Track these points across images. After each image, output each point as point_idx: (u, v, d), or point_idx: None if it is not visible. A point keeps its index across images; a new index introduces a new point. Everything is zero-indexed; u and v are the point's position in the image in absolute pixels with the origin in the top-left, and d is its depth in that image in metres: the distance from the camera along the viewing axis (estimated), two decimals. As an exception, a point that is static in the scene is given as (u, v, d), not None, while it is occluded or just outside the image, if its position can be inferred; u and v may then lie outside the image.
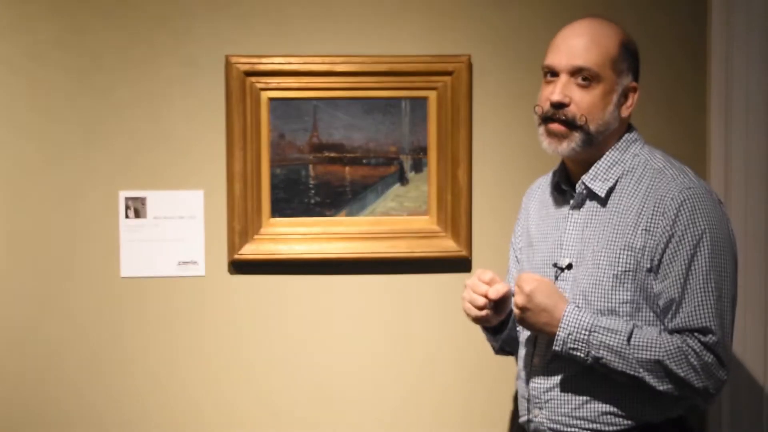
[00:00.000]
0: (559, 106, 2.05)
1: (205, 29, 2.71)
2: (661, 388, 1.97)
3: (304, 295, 2.76)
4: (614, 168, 2.09)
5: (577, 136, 2.05)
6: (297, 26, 2.73)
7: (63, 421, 2.73)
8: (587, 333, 1.99)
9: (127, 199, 2.71)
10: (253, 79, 2.69)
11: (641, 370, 1.97)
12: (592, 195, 2.10)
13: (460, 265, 2.77)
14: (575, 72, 2.05)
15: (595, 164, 2.09)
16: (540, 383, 2.12)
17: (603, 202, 2.08)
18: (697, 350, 1.95)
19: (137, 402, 2.74)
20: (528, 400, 2.16)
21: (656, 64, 2.71)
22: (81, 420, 2.73)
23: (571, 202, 2.14)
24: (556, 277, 2.11)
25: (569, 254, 2.11)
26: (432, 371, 2.80)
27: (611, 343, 1.98)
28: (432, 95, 2.74)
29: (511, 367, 2.73)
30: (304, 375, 2.77)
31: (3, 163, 2.69)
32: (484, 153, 2.77)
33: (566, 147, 2.06)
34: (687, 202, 1.99)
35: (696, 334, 1.96)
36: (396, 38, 2.74)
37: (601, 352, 1.98)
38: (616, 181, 2.08)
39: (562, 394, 2.08)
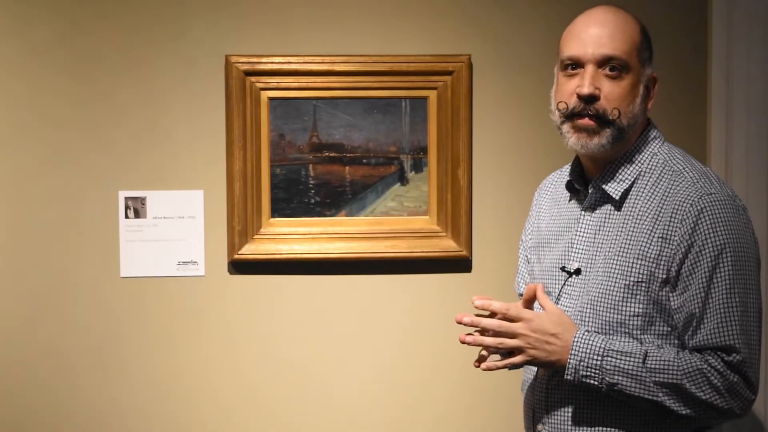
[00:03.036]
0: (589, 99, 1.89)
1: (205, 29, 2.71)
2: (683, 411, 1.83)
3: (304, 295, 2.76)
4: (631, 168, 1.94)
5: (608, 132, 1.89)
6: (297, 26, 2.73)
7: (63, 420, 2.72)
8: (600, 358, 1.84)
9: (126, 199, 2.71)
10: (253, 78, 2.69)
11: (660, 394, 1.83)
12: (606, 197, 1.96)
13: (460, 265, 2.77)
14: (603, 62, 1.89)
15: (611, 164, 1.94)
16: (542, 397, 2.00)
17: (618, 205, 1.94)
18: (720, 370, 1.81)
19: (137, 401, 2.74)
20: (533, 411, 2.04)
21: (656, 59, 2.69)
22: (81, 420, 2.73)
23: (584, 202, 2.00)
24: (564, 282, 1.99)
25: (579, 258, 1.97)
26: (433, 371, 2.79)
27: (626, 367, 1.83)
28: (432, 95, 2.74)
29: (516, 371, 2.72)
30: (304, 374, 2.77)
31: (3, 164, 2.69)
32: (484, 153, 2.77)
33: (596, 144, 1.90)
34: (707, 209, 1.84)
35: (719, 352, 1.82)
36: (396, 38, 2.74)
37: (616, 377, 1.84)
38: (633, 183, 1.93)
39: (562, 410, 1.96)
